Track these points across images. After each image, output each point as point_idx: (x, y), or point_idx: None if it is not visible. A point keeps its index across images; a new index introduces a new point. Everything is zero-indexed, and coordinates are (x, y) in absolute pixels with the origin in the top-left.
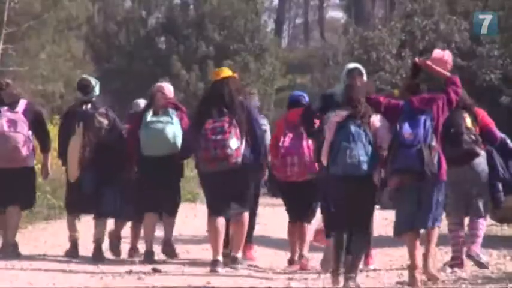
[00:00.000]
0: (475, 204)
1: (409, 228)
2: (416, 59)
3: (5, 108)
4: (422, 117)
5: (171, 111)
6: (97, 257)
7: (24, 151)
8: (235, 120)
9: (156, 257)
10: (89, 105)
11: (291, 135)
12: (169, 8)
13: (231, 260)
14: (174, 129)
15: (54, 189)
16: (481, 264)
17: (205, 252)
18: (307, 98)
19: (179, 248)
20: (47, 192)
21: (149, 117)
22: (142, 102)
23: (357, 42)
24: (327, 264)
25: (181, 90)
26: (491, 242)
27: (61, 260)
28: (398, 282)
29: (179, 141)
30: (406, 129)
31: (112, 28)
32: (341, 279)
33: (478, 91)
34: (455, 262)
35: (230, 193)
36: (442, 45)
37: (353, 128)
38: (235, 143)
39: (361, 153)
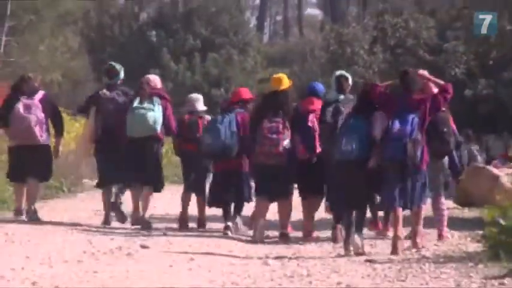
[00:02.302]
0: (438, 185)
1: (392, 206)
2: (421, 71)
3: (25, 96)
4: (411, 116)
5: (155, 99)
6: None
7: (37, 130)
8: (288, 122)
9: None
10: (109, 89)
11: None
12: (159, 4)
13: (280, 237)
14: (155, 115)
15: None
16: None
17: (190, 229)
18: (322, 89)
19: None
20: None
21: (135, 103)
22: (196, 98)
23: (333, 38)
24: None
25: (170, 80)
26: (453, 224)
27: (58, 236)
28: (367, 260)
29: (159, 126)
30: (396, 125)
31: (106, 22)
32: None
33: None
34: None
35: (275, 183)
36: (411, 42)
37: (353, 121)
38: (287, 143)
39: (355, 142)
